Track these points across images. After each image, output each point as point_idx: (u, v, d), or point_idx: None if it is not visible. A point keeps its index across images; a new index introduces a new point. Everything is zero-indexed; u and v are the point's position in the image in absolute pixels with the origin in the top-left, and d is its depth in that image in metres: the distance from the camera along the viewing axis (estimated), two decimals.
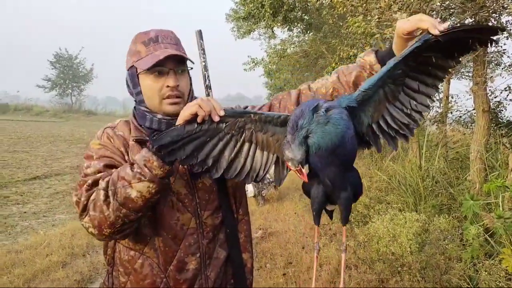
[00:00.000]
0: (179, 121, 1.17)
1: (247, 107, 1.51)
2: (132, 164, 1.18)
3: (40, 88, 41.26)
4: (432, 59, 1.07)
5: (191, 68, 1.40)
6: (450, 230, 4.10)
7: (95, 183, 1.22)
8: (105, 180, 1.19)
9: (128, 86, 1.39)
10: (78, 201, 1.22)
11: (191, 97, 1.40)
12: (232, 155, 1.23)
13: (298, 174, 1.14)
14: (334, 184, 1.17)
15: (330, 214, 1.39)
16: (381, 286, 3.61)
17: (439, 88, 1.11)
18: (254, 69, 11.70)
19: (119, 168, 1.20)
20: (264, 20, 8.72)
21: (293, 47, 12.22)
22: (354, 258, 4.18)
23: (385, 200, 5.51)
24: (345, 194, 1.18)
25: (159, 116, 1.34)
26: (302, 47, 11.99)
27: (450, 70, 1.10)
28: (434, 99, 1.19)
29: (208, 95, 1.38)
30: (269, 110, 1.45)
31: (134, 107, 1.40)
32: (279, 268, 4.17)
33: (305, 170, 1.14)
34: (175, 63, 1.31)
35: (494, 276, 3.08)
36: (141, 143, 1.33)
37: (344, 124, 1.08)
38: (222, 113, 1.18)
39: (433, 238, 3.93)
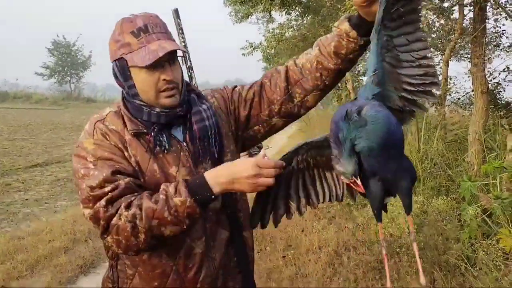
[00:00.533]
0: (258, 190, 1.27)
1: (236, 86, 1.53)
2: (169, 205, 1.17)
3: (39, 75, 41.17)
4: (400, 10, 1.11)
5: (182, 56, 1.39)
6: (448, 211, 4.13)
7: (110, 202, 1.17)
8: (131, 213, 1.16)
9: (116, 77, 1.33)
10: (92, 217, 1.19)
11: (184, 85, 1.37)
12: (314, 183, 1.40)
13: (354, 186, 1.18)
14: (395, 177, 1.18)
15: (385, 206, 1.37)
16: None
17: (422, 29, 1.16)
18: (252, 54, 11.65)
19: (153, 201, 1.18)
20: (262, 4, 8.63)
21: (291, 31, 12.11)
22: (353, 240, 4.22)
23: None
24: (405, 183, 1.19)
25: (157, 109, 1.30)
26: (301, 31, 11.89)
27: (420, 10, 1.15)
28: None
29: (190, 76, 1.38)
30: (261, 89, 1.47)
31: (124, 98, 1.35)
32: (279, 251, 4.22)
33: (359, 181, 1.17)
34: (169, 55, 1.26)
35: (491, 255, 3.11)
36: (138, 136, 1.30)
37: (382, 116, 1.08)
38: (283, 164, 1.26)
39: (431, 219, 3.96)
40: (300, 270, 3.79)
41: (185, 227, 1.18)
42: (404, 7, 1.11)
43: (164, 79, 1.25)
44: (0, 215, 5.80)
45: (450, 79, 6.81)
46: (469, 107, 6.83)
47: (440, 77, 6.87)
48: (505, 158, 4.31)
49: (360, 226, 4.43)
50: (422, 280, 1.19)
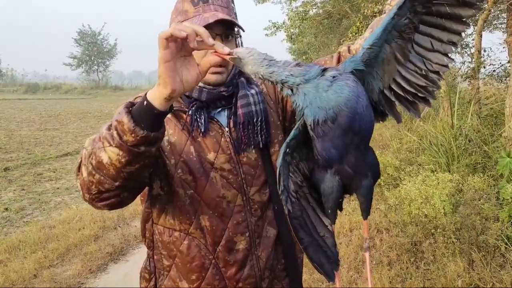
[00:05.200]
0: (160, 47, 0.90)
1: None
2: (107, 125, 1.01)
3: (67, 66, 41.98)
4: (446, 8, 0.87)
5: (239, 36, 1.31)
6: (485, 189, 3.96)
7: None
8: (90, 138, 1.06)
9: None
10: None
11: (235, 67, 1.29)
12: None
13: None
14: (356, 170, 0.97)
15: (340, 205, 1.08)
16: (414, 249, 3.52)
17: (457, 44, 0.91)
18: (275, 34, 11.44)
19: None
20: None
21: (315, 9, 11.82)
22: (385, 222, 4.09)
23: (416, 162, 5.35)
24: (366, 182, 0.99)
25: (200, 84, 1.24)
26: (325, 8, 11.59)
27: (468, 21, 0.90)
28: (464, 54, 0.97)
29: None
30: None
31: None
32: None
33: None
34: (224, 28, 1.21)
35: None
36: (178, 115, 1.25)
37: (351, 91, 0.89)
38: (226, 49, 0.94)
39: (467, 198, 3.79)
40: None
41: (120, 152, 0.94)
42: (453, 8, 0.87)
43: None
44: (32, 204, 5.91)
45: (484, 50, 6.46)
46: (505, 80, 6.49)
47: (473, 49, 6.56)
48: None
49: (392, 207, 4.28)
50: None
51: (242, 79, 1.32)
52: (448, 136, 5.24)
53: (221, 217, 1.24)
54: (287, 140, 0.99)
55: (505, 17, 5.24)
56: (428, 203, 3.76)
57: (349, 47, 1.33)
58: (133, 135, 0.93)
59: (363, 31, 7.09)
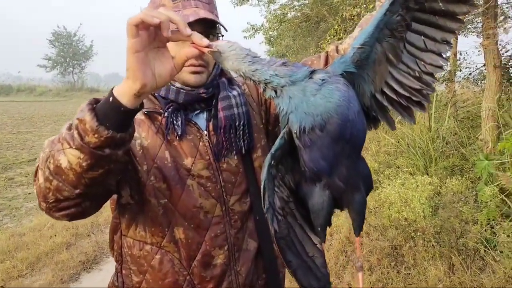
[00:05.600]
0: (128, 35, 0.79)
1: None
2: (69, 125, 0.89)
3: (41, 67, 41.15)
4: (439, 4, 0.81)
5: (222, 35, 1.21)
6: (463, 191, 3.97)
7: None
8: (49, 139, 0.96)
9: None
10: None
11: (216, 68, 1.22)
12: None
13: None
14: (348, 183, 0.87)
15: (330, 220, 0.99)
16: (394, 253, 3.49)
17: (451, 44, 0.85)
18: (254, 36, 11.43)
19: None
20: None
21: (293, 12, 11.84)
22: (365, 225, 4.05)
23: (394, 164, 5.36)
24: (359, 196, 0.89)
25: (178, 85, 1.15)
26: (303, 11, 11.61)
27: (462, 18, 0.85)
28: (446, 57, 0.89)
29: None
30: None
31: None
32: None
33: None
34: (205, 27, 1.11)
35: None
36: (152, 117, 1.14)
37: (342, 96, 0.80)
38: (188, 31, 0.83)
39: (446, 200, 3.79)
40: None
41: (80, 154, 0.84)
42: (447, 5, 0.81)
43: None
44: (2, 211, 5.69)
45: (460, 54, 6.54)
46: (481, 83, 6.58)
47: (449, 52, 6.64)
48: None
49: (372, 211, 4.26)
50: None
51: (224, 79, 1.24)
52: (425, 138, 5.27)
53: (197, 229, 1.14)
54: (272, 150, 0.88)
55: (480, 21, 5.31)
56: (407, 206, 3.75)
57: (337, 47, 1.26)
58: (96, 135, 0.82)
59: (341, 34, 7.12)
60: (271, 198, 0.89)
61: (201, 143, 1.16)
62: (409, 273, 3.21)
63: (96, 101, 0.87)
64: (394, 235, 3.68)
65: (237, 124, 1.17)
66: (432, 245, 3.33)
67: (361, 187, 0.90)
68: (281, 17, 11.08)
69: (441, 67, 0.85)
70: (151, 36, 0.81)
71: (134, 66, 0.80)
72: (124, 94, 0.82)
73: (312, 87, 0.81)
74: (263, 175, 0.87)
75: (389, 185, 4.10)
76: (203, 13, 1.09)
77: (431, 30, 0.84)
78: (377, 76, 0.89)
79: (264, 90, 0.86)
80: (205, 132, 1.17)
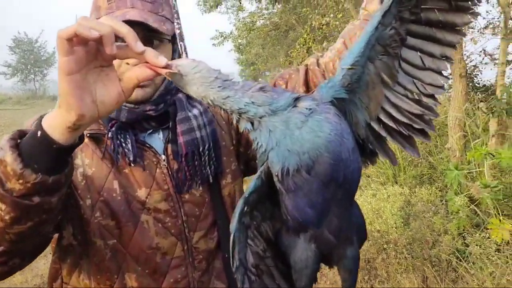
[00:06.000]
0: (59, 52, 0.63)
1: None
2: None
3: (1, 74, 39.76)
4: (436, 14, 0.72)
5: (174, 40, 1.04)
6: (433, 200, 3.98)
7: None
8: None
9: None
10: None
11: (165, 79, 1.02)
12: None
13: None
14: (339, 236, 0.72)
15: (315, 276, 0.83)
16: (367, 266, 3.44)
17: (452, 60, 0.75)
18: (223, 44, 11.38)
19: None
20: None
21: (263, 20, 11.86)
22: None
23: (364, 173, 5.36)
24: (352, 250, 0.76)
25: None
26: (272, 19, 11.65)
27: (464, 30, 0.76)
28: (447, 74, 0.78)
29: None
30: None
31: None
32: None
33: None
34: (145, 31, 0.91)
35: (485, 250, 2.94)
36: (96, 138, 0.96)
37: (332, 130, 0.67)
38: (140, 48, 0.66)
39: (416, 210, 3.79)
40: None
41: (16, 199, 0.67)
42: (445, 15, 0.72)
43: (128, 63, 0.89)
44: None
45: None
46: (447, 92, 6.71)
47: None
48: (487, 143, 4.20)
49: None
50: None
51: (180, 96, 1.06)
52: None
53: (153, 274, 0.97)
54: (246, 194, 0.72)
55: None
56: (380, 217, 3.72)
57: (317, 60, 1.13)
58: (20, 181, 0.65)
59: (310, 43, 7.13)
60: (242, 254, 0.72)
61: (158, 170, 0.99)
62: (383, 287, 3.16)
63: (21, 134, 0.70)
64: (366, 247, 3.63)
65: (201, 149, 1.00)
66: (405, 257, 3.30)
67: (354, 240, 0.76)
68: (250, 25, 11.09)
69: (442, 87, 0.75)
70: (90, 53, 0.64)
71: (68, 92, 0.63)
72: (56, 127, 0.66)
73: (297, 118, 0.67)
74: (233, 225, 0.71)
75: (361, 195, 4.07)
76: (134, 15, 0.89)
77: (429, 44, 0.75)
78: (371, 102, 0.76)
79: (238, 121, 0.71)
80: (163, 157, 1.00)
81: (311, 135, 0.66)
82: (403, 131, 0.77)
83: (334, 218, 0.72)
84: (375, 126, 0.78)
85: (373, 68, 0.75)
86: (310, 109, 0.68)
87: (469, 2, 0.71)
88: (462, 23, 0.72)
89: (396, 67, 0.75)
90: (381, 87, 0.76)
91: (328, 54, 1.11)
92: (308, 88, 1.10)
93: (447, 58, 0.75)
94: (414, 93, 0.75)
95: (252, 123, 0.69)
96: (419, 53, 0.75)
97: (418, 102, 0.76)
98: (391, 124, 0.77)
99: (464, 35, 0.75)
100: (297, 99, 0.69)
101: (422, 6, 0.72)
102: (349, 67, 0.72)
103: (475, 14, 0.71)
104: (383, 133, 0.78)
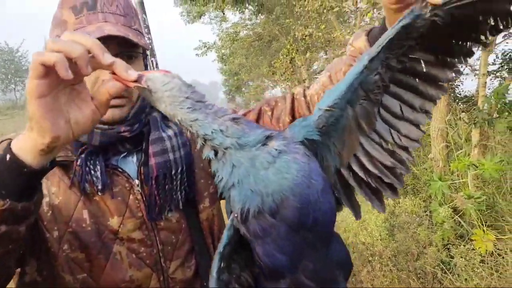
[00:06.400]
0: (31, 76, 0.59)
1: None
2: None
3: None
4: (422, 66, 0.71)
5: (145, 55, 0.98)
6: (417, 211, 3.97)
7: None
8: None
9: None
10: None
11: (142, 98, 0.97)
12: None
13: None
14: (317, 280, 0.67)
15: None
16: (353, 279, 3.40)
17: (430, 114, 0.75)
18: (206, 54, 11.38)
19: None
20: (214, 1, 8.31)
21: (246, 30, 11.90)
22: None
23: None
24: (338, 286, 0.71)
25: None
26: (255, 30, 11.69)
27: (445, 87, 0.74)
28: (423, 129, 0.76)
29: None
30: (258, 118, 1.07)
31: None
32: None
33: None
34: (119, 46, 0.87)
35: (470, 261, 2.93)
36: (64, 165, 0.89)
37: (298, 171, 0.64)
38: (109, 60, 0.63)
39: (401, 221, 3.77)
40: None
41: None
42: (430, 67, 0.70)
43: (104, 80, 0.81)
44: None
45: None
46: None
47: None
48: (469, 154, 4.22)
49: None
50: None
51: (155, 115, 0.99)
52: None
53: None
54: (220, 248, 0.68)
55: None
56: (364, 229, 3.70)
57: (304, 91, 1.08)
58: None
59: (293, 54, 7.15)
60: None
61: (131, 197, 0.92)
62: None
63: None
64: (352, 260, 3.60)
65: (173, 172, 0.94)
66: (390, 269, 3.28)
67: (338, 277, 0.71)
68: (234, 35, 11.13)
69: (417, 141, 0.73)
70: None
71: (40, 115, 0.59)
72: (28, 149, 0.62)
73: (264, 158, 0.64)
74: (212, 285, 0.67)
75: (345, 208, 4.04)
76: (113, 29, 0.85)
77: (410, 95, 0.73)
78: (345, 148, 0.74)
79: (202, 146, 0.67)
80: (137, 182, 0.93)
81: (277, 177, 0.63)
82: (372, 184, 0.74)
83: (308, 263, 0.67)
84: (345, 173, 0.75)
85: (352, 113, 0.72)
86: (280, 150, 0.64)
87: (455, 60, 0.70)
88: (446, 79, 0.71)
89: (375, 113, 0.73)
90: (358, 133, 0.73)
91: (315, 86, 1.06)
92: (294, 118, 1.05)
93: (426, 112, 0.73)
94: (389, 143, 0.73)
95: (216, 153, 0.66)
96: (399, 102, 0.73)
97: (392, 153, 0.74)
98: (361, 174, 0.74)
99: (446, 91, 0.73)
100: (268, 137, 0.66)
101: (410, 55, 0.70)
102: (327, 108, 0.69)
103: (458, 73, 0.71)
104: (352, 182, 0.75)
